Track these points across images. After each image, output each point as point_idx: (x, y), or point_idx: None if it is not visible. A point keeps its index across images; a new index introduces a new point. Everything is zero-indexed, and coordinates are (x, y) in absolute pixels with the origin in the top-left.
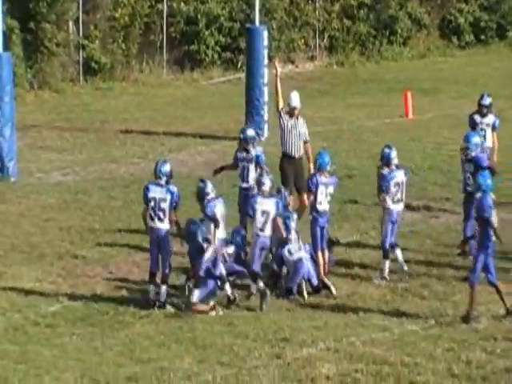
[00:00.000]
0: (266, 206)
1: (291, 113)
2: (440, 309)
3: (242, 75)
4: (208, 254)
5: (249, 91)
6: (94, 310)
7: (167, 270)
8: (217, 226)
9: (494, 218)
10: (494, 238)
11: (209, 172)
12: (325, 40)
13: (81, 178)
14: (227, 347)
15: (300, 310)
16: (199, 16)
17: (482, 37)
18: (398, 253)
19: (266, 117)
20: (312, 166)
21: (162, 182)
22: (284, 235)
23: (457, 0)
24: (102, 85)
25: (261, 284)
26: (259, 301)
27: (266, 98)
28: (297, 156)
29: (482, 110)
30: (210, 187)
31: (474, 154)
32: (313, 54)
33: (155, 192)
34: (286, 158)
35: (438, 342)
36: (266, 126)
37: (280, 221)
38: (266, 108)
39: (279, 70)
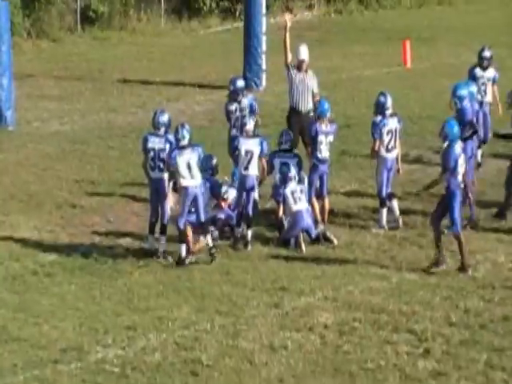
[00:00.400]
0: (249, 145)
1: (300, 66)
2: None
3: (240, 24)
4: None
5: (247, 40)
6: (92, 259)
7: (166, 221)
8: (169, 176)
9: (461, 168)
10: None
11: (206, 121)
12: None
13: (79, 128)
14: (225, 296)
15: (298, 259)
16: None
17: None
18: (395, 204)
19: (263, 66)
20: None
21: (161, 132)
22: (265, 174)
23: None
24: (99, 34)
25: (239, 229)
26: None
27: (263, 47)
28: (304, 110)
29: (482, 63)
30: (181, 134)
31: (459, 106)
32: (311, 3)
33: (154, 142)
34: (293, 112)
35: (436, 291)
36: (263, 76)
37: (264, 160)
38: (263, 57)
39: (289, 23)
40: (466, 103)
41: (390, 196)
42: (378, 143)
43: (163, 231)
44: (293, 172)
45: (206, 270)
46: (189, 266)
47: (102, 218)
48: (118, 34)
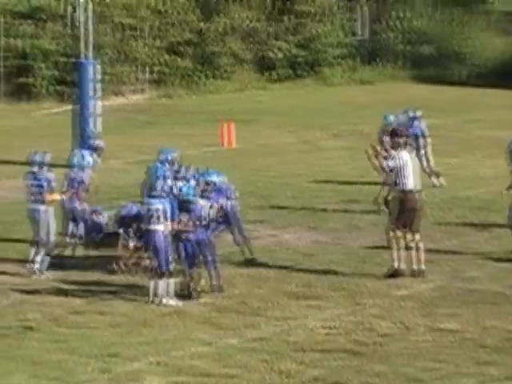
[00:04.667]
0: None
1: None
2: (255, 323)
3: (73, 107)
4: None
5: (81, 122)
6: None
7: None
8: None
9: None
10: None
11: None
12: (153, 74)
13: None
14: (57, 363)
15: (128, 326)
16: (33, 51)
17: (297, 71)
18: None
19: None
20: None
21: (36, 169)
22: None
23: (274, 38)
24: None
25: None
26: None
27: (99, 128)
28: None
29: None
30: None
31: None
32: (141, 87)
33: (30, 179)
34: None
35: (254, 354)
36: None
37: None
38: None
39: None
40: None
41: None
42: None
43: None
44: None
45: (39, 339)
46: (23, 333)
47: None
48: None
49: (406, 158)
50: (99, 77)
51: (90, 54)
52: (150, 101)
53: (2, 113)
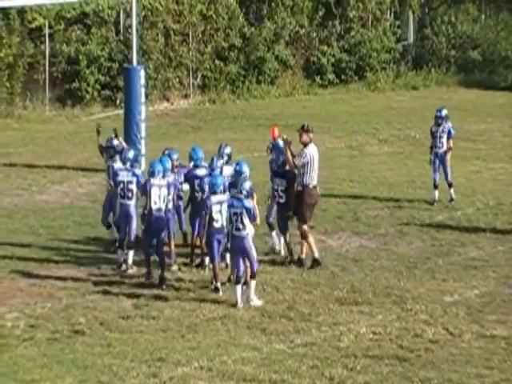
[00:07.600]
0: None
1: None
2: (305, 329)
3: (121, 112)
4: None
5: (127, 127)
6: None
7: (132, 238)
8: None
9: None
10: None
11: (88, 202)
12: (198, 79)
13: None
14: (106, 367)
15: (175, 331)
16: (80, 56)
17: (343, 77)
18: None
19: (143, 151)
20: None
21: (127, 166)
22: None
23: (319, 42)
24: None
25: None
26: None
27: (143, 133)
28: None
29: (437, 121)
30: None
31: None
32: (186, 93)
33: (123, 176)
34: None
35: (303, 360)
36: (143, 160)
37: None
38: (143, 143)
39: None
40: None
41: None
42: None
43: (130, 247)
44: None
45: (88, 343)
46: (73, 338)
47: None
48: (5, 121)
49: (314, 153)
50: (143, 82)
51: (134, 58)
52: (196, 106)
53: (49, 118)
